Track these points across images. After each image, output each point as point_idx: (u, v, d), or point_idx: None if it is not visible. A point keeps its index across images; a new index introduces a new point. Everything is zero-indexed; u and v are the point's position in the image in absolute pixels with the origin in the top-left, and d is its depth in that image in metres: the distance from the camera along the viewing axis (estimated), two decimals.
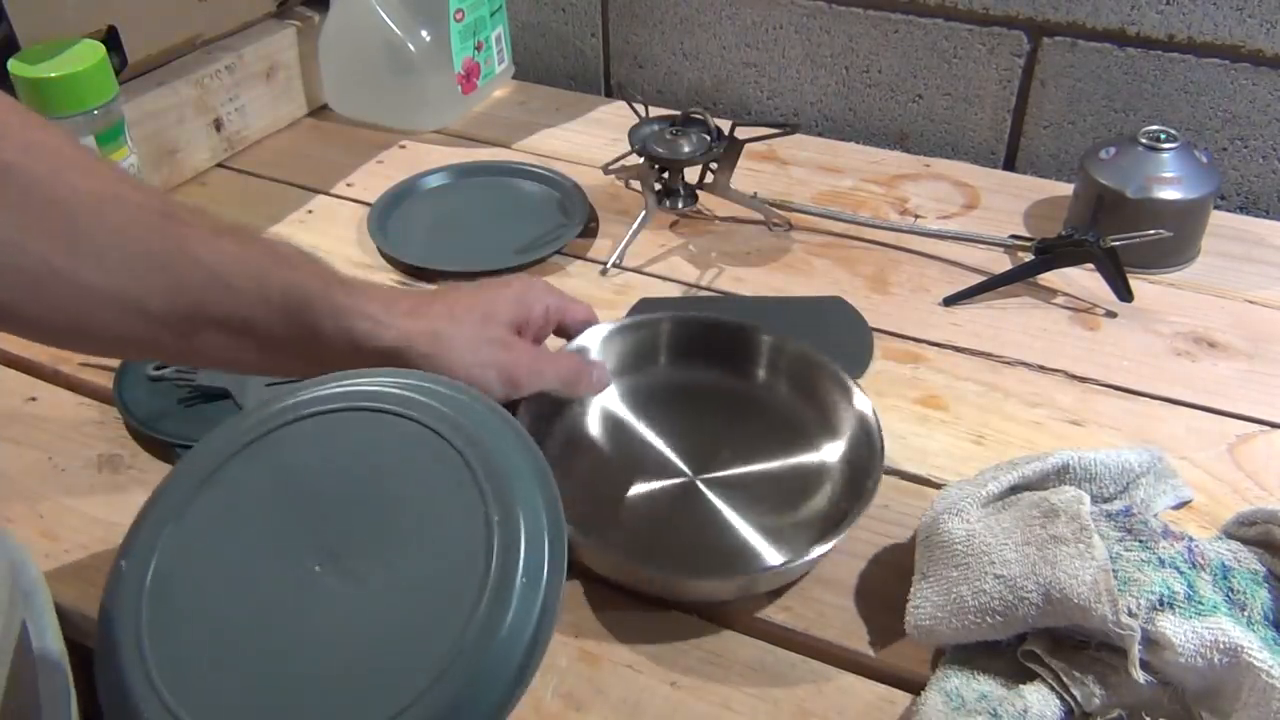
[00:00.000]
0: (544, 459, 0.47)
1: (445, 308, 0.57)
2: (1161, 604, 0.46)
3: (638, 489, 0.63)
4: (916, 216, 0.92)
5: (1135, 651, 0.45)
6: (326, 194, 0.97)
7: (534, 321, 0.62)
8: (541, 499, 0.45)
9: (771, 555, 0.59)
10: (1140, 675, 0.45)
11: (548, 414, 0.65)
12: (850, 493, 0.61)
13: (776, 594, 0.58)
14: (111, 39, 0.88)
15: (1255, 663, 0.44)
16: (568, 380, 0.62)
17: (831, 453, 0.65)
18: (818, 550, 0.55)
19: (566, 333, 0.67)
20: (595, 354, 0.68)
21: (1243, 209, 0.96)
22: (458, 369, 0.55)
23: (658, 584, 0.57)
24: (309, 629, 0.41)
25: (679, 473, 0.64)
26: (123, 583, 0.43)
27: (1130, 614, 0.46)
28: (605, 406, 0.68)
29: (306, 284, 0.53)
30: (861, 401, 0.64)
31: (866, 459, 0.61)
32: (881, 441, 0.61)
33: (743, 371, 0.70)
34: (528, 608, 0.41)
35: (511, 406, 0.55)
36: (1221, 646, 0.45)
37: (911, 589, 0.53)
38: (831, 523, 0.59)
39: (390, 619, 0.41)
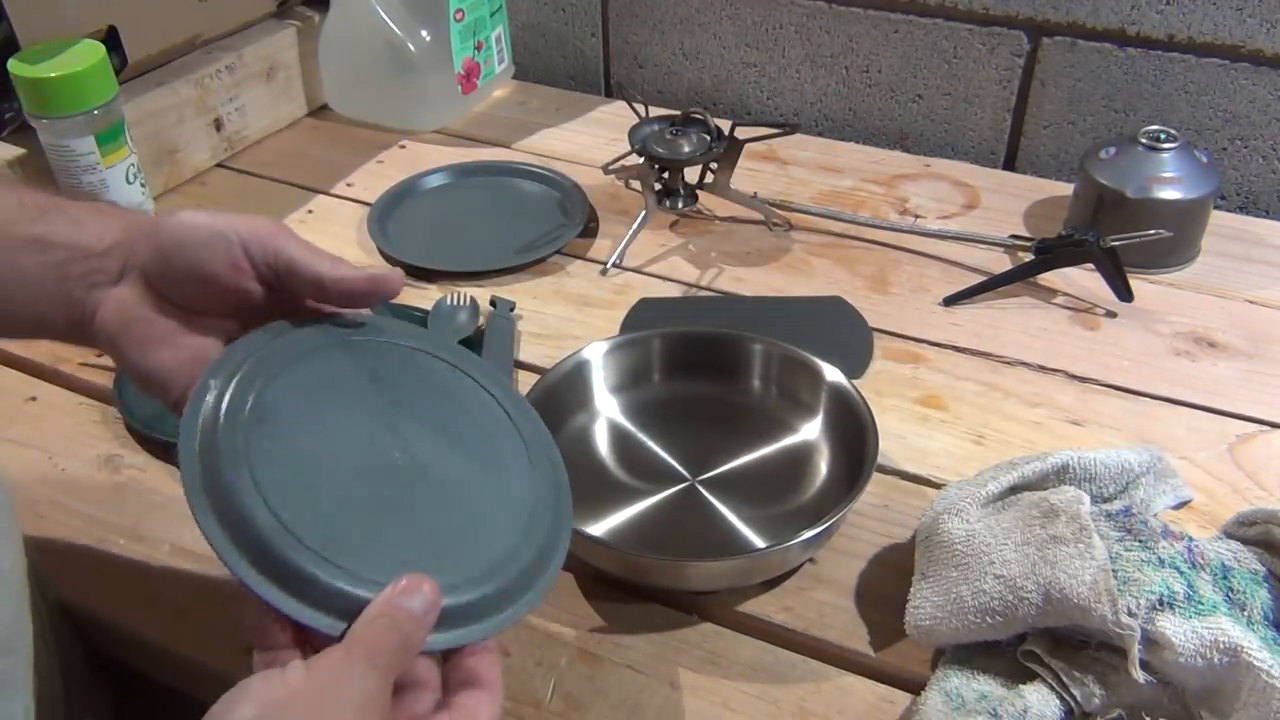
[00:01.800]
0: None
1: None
2: (1161, 604, 0.46)
3: (640, 494, 0.63)
4: (916, 216, 0.92)
5: (1135, 651, 0.45)
6: (326, 194, 0.97)
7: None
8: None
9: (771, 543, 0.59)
10: (1140, 675, 0.45)
11: (549, 426, 0.65)
12: (847, 471, 0.62)
13: (778, 594, 0.58)
14: (111, 39, 0.88)
15: (1255, 662, 0.44)
16: (314, 256, 0.50)
17: (811, 430, 0.66)
18: (819, 526, 0.56)
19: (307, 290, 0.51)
20: (597, 369, 0.69)
21: (1243, 209, 0.96)
22: None
23: (663, 571, 0.57)
24: (395, 493, 0.44)
25: (679, 477, 0.64)
26: (219, 402, 0.44)
27: (1130, 613, 0.46)
28: (608, 419, 0.68)
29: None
30: (832, 374, 0.66)
31: (856, 431, 0.62)
32: (869, 411, 0.62)
33: (733, 376, 0.70)
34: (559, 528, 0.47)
35: None
36: (1221, 646, 0.45)
37: (911, 589, 0.53)
38: (831, 502, 0.60)
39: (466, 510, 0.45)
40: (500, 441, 0.49)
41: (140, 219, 0.50)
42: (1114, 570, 0.47)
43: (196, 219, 0.47)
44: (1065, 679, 0.47)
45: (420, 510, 0.44)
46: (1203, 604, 0.46)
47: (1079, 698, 0.47)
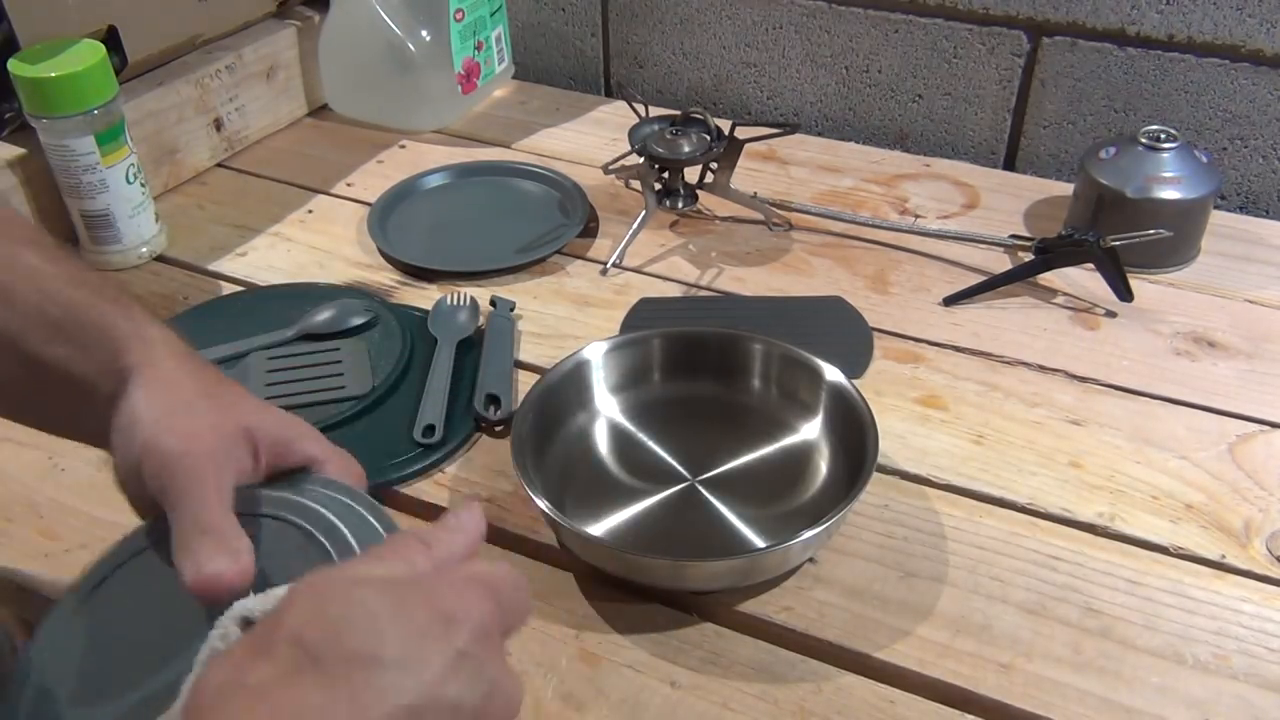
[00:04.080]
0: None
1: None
2: None
3: (640, 494, 0.63)
4: (916, 216, 0.91)
5: None
6: (326, 194, 0.97)
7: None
8: None
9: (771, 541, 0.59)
10: None
11: (550, 426, 0.65)
12: (847, 471, 0.62)
13: (778, 594, 0.58)
14: (111, 39, 0.88)
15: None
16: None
17: (811, 430, 0.66)
18: (819, 526, 0.56)
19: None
20: (597, 369, 0.69)
21: (1243, 209, 0.96)
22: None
23: (663, 571, 0.57)
24: None
25: (679, 477, 0.64)
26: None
27: None
28: (608, 419, 0.68)
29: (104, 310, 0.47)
30: (832, 374, 0.66)
31: (856, 431, 0.62)
32: (869, 411, 0.62)
33: (733, 376, 0.70)
34: None
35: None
36: None
37: None
38: (831, 502, 0.60)
39: None
40: None
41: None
42: None
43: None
44: None
45: None
46: None
47: None
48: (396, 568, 0.37)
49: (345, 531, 0.45)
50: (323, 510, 0.46)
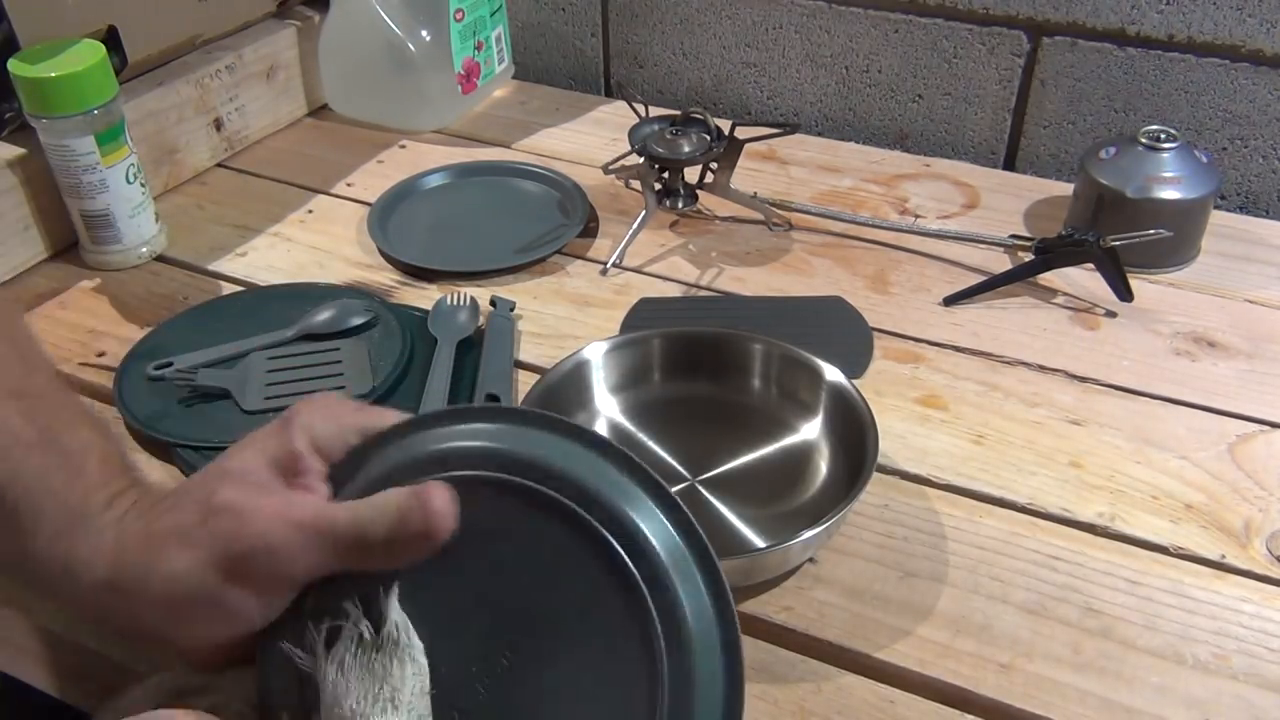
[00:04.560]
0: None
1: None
2: None
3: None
4: (916, 216, 0.92)
5: None
6: (326, 194, 0.97)
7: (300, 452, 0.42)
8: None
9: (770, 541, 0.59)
10: None
11: None
12: (847, 471, 0.62)
13: (778, 594, 0.58)
14: (111, 39, 0.88)
15: None
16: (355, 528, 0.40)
17: (811, 430, 0.66)
18: (819, 526, 0.56)
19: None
20: (597, 369, 0.69)
21: (1243, 209, 0.96)
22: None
23: None
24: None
25: (679, 477, 0.64)
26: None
27: None
28: (608, 419, 0.68)
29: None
30: (832, 374, 0.66)
31: (856, 431, 0.62)
32: (869, 411, 0.62)
33: (733, 376, 0.70)
34: None
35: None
36: None
37: None
38: (831, 502, 0.60)
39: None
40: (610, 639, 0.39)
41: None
42: None
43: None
44: None
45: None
46: None
47: None
48: None
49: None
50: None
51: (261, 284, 0.84)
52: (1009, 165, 1.03)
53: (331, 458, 0.43)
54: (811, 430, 0.66)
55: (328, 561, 0.39)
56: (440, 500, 0.39)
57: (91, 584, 0.40)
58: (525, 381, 0.72)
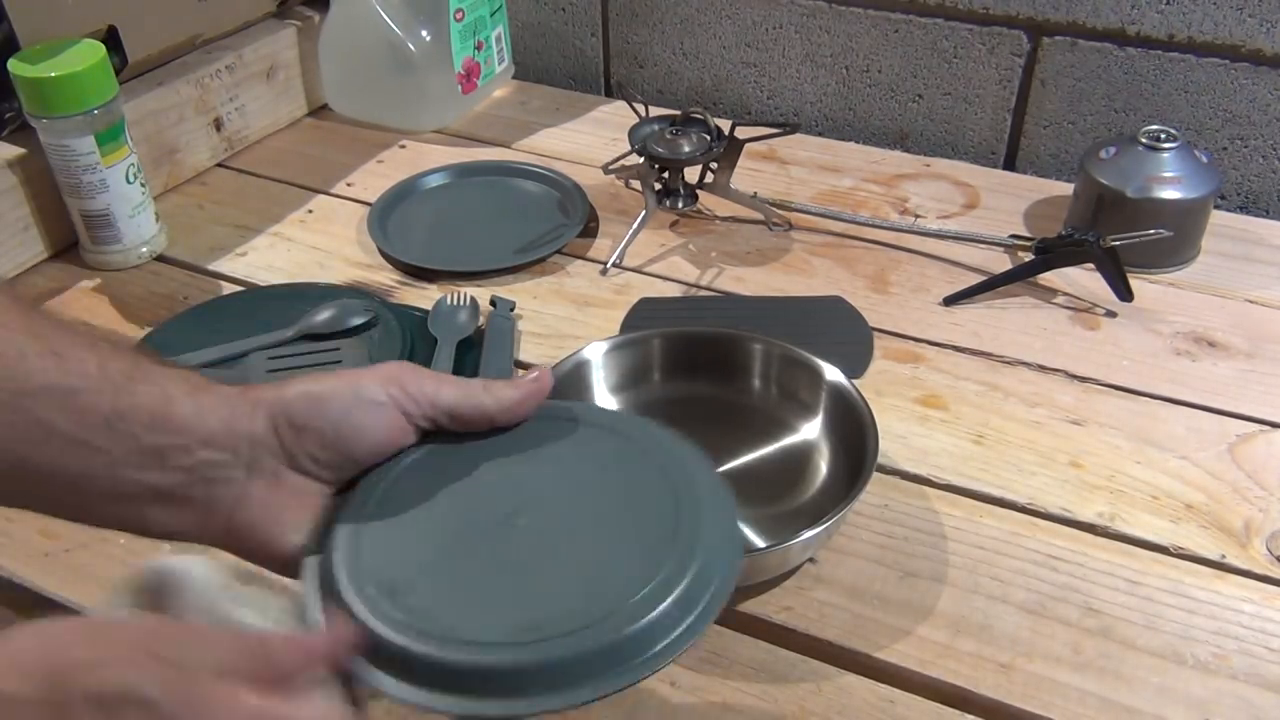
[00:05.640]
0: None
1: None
2: None
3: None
4: (916, 216, 0.92)
5: None
6: (326, 194, 0.97)
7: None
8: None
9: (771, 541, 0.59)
10: None
11: None
12: (847, 471, 0.62)
13: (778, 594, 0.58)
14: (111, 39, 0.88)
15: None
16: (471, 389, 0.47)
17: (811, 430, 0.66)
18: (820, 526, 0.56)
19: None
20: (597, 369, 0.69)
21: (1243, 209, 0.96)
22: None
23: None
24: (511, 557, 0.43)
25: None
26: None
27: None
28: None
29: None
30: (832, 374, 0.66)
31: (856, 431, 0.62)
32: (869, 411, 0.62)
33: (733, 376, 0.70)
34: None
35: None
36: None
37: None
38: (831, 502, 0.60)
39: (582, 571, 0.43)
40: (649, 521, 0.44)
41: (239, 400, 0.44)
42: None
43: (335, 394, 0.44)
44: None
45: (539, 565, 0.42)
46: None
47: None
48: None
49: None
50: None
51: (261, 284, 0.84)
52: (1009, 165, 1.03)
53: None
54: (811, 430, 0.66)
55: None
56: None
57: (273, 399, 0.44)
58: None
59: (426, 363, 0.73)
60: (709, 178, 0.87)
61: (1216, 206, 0.86)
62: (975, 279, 0.82)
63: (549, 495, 0.45)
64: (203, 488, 0.42)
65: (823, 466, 0.65)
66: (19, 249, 0.85)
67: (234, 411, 0.43)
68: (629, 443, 0.48)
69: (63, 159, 0.81)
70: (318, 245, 0.89)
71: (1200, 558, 0.60)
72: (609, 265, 0.85)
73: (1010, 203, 0.93)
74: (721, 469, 0.64)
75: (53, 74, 0.78)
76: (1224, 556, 0.60)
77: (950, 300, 0.81)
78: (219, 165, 1.01)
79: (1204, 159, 0.83)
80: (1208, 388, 0.72)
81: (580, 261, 0.86)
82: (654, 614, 0.39)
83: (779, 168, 0.99)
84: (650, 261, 0.86)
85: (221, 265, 0.87)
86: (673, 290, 0.83)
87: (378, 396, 0.45)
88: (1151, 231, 0.78)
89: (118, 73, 0.84)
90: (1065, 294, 0.81)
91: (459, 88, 1.06)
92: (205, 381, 0.44)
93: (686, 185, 0.88)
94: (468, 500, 0.45)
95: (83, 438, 0.40)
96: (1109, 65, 0.95)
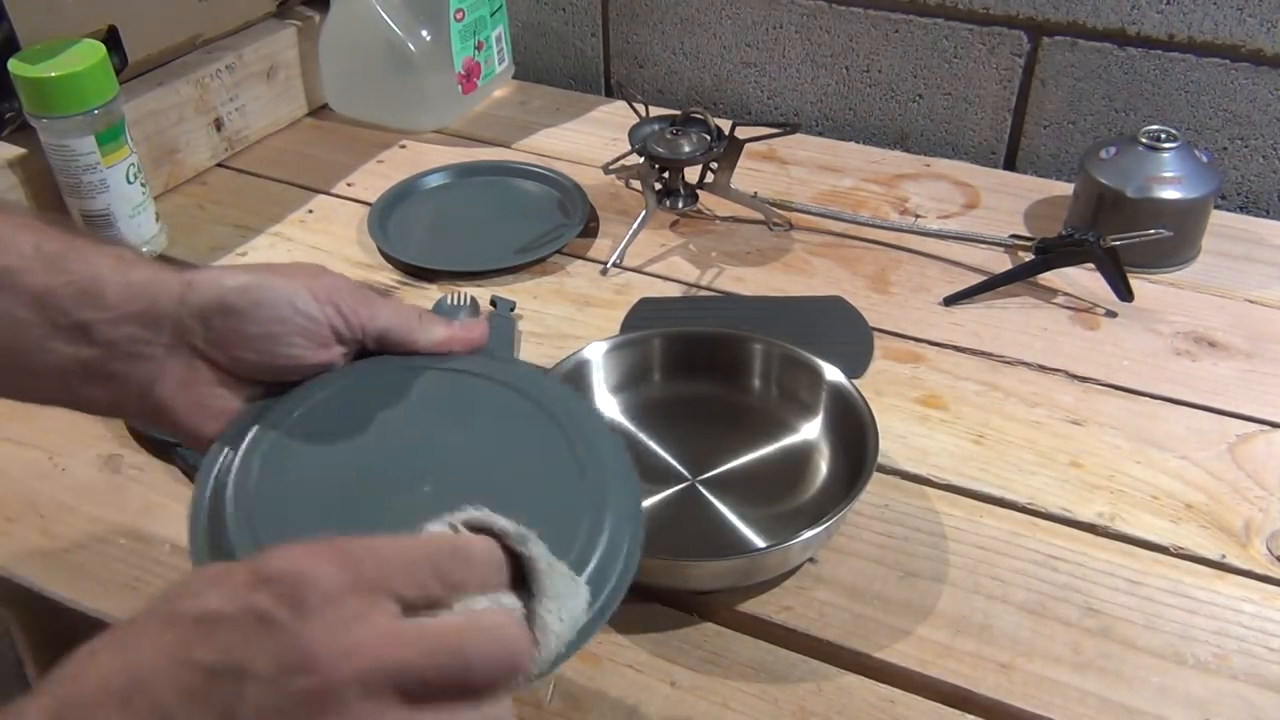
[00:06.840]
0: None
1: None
2: None
3: (642, 495, 0.63)
4: (916, 216, 0.92)
5: None
6: (326, 194, 0.97)
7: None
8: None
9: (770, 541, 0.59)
10: None
11: None
12: (847, 471, 0.62)
13: (778, 594, 0.58)
14: (111, 39, 0.88)
15: None
16: (406, 319, 0.50)
17: (811, 430, 0.66)
18: (819, 526, 0.56)
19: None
20: (597, 369, 0.69)
21: (1243, 209, 0.96)
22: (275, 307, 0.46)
23: (663, 571, 0.57)
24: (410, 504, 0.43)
25: (680, 477, 0.64)
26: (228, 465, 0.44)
27: None
28: (608, 419, 0.68)
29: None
30: (832, 374, 0.66)
31: (856, 431, 0.62)
32: (869, 411, 0.62)
33: (733, 376, 0.70)
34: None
35: None
36: None
37: None
38: (831, 502, 0.60)
39: None
40: (548, 464, 0.45)
41: (171, 281, 0.45)
42: None
43: (272, 301, 0.45)
44: None
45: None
46: None
47: None
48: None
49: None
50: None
51: None
52: (1009, 165, 1.03)
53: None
54: (812, 430, 0.67)
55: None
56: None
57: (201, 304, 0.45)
58: None
59: None
60: (709, 178, 0.87)
61: (1217, 206, 0.86)
62: (975, 279, 0.82)
63: (460, 464, 0.45)
64: (123, 363, 0.44)
65: (823, 466, 0.65)
66: None
67: (163, 289, 0.45)
68: (551, 419, 0.48)
69: (63, 159, 0.81)
70: (318, 245, 0.89)
71: (1200, 558, 0.60)
72: (609, 265, 0.85)
73: (1010, 203, 0.93)
74: (722, 469, 0.64)
75: (53, 74, 0.78)
76: (1224, 556, 0.60)
77: (950, 300, 0.81)
78: (219, 165, 1.01)
79: (1204, 159, 0.83)
80: (1208, 388, 0.72)
81: (580, 261, 0.86)
82: None
83: (779, 168, 0.99)
84: (650, 261, 0.86)
85: (222, 265, 0.87)
86: (673, 290, 0.83)
87: (312, 312, 0.46)
88: (1152, 231, 0.78)
89: (118, 73, 0.83)
90: (1065, 294, 0.81)
91: (459, 88, 1.06)
92: (138, 258, 0.46)
93: (686, 185, 0.88)
94: (380, 452, 0.45)
95: (16, 315, 0.42)
96: (1109, 65, 0.95)
